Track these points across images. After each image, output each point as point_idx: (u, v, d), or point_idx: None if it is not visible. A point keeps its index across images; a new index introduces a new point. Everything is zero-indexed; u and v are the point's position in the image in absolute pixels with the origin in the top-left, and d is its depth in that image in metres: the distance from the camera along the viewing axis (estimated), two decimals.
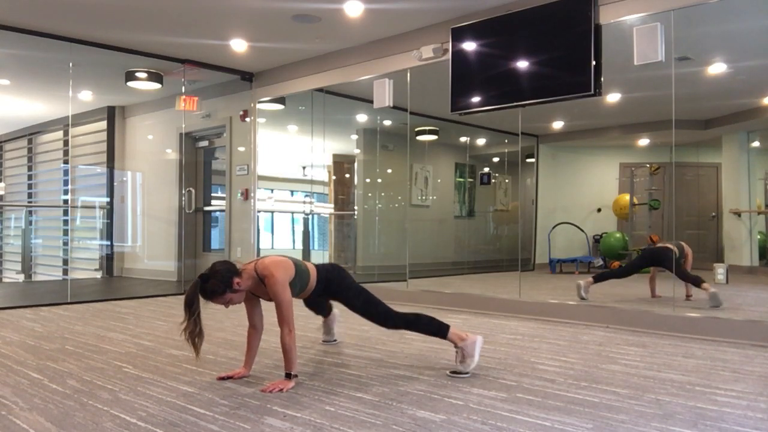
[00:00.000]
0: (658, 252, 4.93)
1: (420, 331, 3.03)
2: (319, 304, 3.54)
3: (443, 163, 7.47)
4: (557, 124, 6.29)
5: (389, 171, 7.45)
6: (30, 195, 9.93)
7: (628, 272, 5.11)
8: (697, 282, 4.59)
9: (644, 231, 6.01)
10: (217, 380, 2.83)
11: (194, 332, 2.56)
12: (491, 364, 3.15)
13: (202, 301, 2.62)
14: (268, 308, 2.90)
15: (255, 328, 2.92)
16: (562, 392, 2.60)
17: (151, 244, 8.47)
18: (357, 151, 7.71)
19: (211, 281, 2.63)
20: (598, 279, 5.01)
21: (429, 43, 5.39)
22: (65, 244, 8.75)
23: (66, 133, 8.59)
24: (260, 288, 2.78)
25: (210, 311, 4.57)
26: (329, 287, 3.05)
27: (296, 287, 2.87)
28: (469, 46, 5.11)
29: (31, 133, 9.62)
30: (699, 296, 4.77)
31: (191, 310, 2.56)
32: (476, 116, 5.28)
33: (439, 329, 2.97)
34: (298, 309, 3.67)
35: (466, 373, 2.90)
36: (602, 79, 4.42)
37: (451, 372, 2.93)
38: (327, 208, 7.87)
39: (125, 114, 8.71)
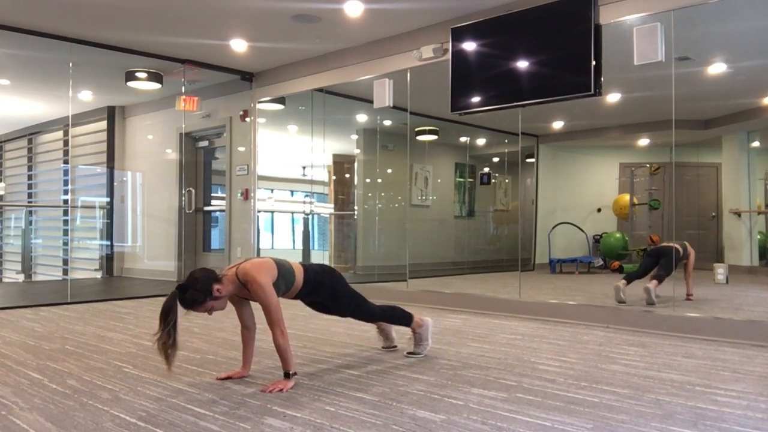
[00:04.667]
0: (662, 250, 4.93)
1: (394, 323, 3.34)
2: (321, 306, 3.31)
3: (443, 163, 7.47)
4: (557, 124, 6.29)
5: (389, 171, 7.44)
6: (30, 195, 9.93)
7: (645, 271, 5.05)
8: (656, 277, 4.64)
9: (644, 231, 6.01)
10: (217, 380, 2.83)
11: (167, 343, 2.48)
12: (491, 364, 3.15)
13: (181, 311, 2.57)
14: (257, 306, 2.89)
15: (248, 328, 2.91)
16: (562, 392, 2.60)
17: (151, 244, 8.47)
18: (357, 151, 7.71)
19: (189, 291, 2.57)
20: (628, 280, 4.93)
21: (429, 43, 5.39)
22: (65, 244, 8.75)
23: (66, 133, 8.59)
24: (244, 291, 2.74)
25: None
26: (319, 290, 3.00)
27: (281, 287, 2.82)
28: (469, 46, 5.11)
29: (31, 133, 9.62)
30: (699, 296, 4.78)
31: (167, 321, 2.49)
32: (476, 116, 5.28)
33: (407, 319, 3.31)
34: (298, 309, 3.68)
35: (421, 354, 3.30)
36: (602, 79, 4.41)
37: (407, 353, 3.33)
38: (327, 208, 7.87)
39: (125, 114, 8.71)
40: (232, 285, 2.70)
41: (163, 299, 2.61)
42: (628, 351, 3.47)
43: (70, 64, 6.25)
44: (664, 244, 5.03)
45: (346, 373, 2.96)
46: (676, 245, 4.80)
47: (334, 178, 7.72)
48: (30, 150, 9.76)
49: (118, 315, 5.02)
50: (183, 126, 7.61)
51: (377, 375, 2.92)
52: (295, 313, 4.64)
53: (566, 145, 6.54)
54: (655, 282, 4.58)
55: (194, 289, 2.59)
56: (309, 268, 2.98)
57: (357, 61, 6.06)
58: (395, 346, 3.54)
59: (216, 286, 2.63)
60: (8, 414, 2.33)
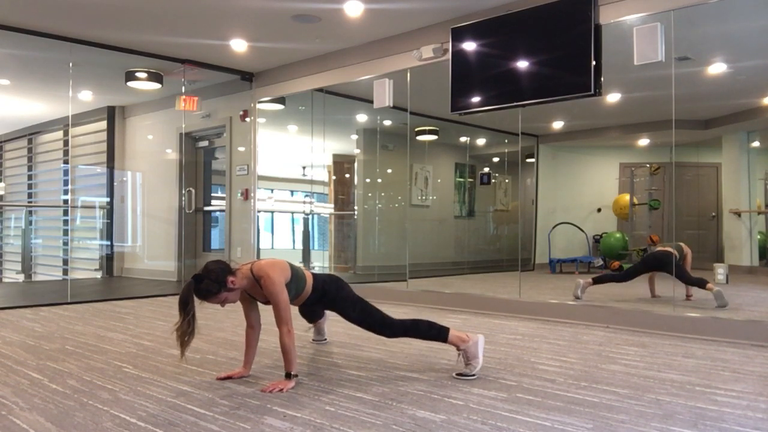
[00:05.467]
0: (660, 257, 4.90)
1: (420, 337, 2.98)
2: (313, 313, 3.54)
3: (443, 163, 7.47)
4: (557, 124, 6.29)
5: (389, 171, 7.44)
6: (30, 195, 9.93)
7: (629, 276, 5.06)
8: (702, 284, 4.58)
9: (644, 231, 6.01)
10: (217, 380, 2.83)
11: (186, 331, 2.57)
12: (491, 364, 3.15)
13: (197, 300, 2.62)
14: (264, 307, 2.90)
15: (252, 328, 2.93)
16: (562, 392, 2.60)
17: (151, 244, 8.47)
18: (357, 151, 7.71)
19: (205, 281, 2.62)
20: (597, 281, 4.99)
21: (429, 43, 5.39)
22: (65, 244, 8.75)
23: (66, 133, 8.60)
24: (256, 289, 2.77)
25: (209, 312, 4.58)
26: (324, 298, 3.03)
27: (292, 291, 2.85)
28: (469, 46, 5.11)
29: (31, 133, 9.62)
30: (699, 296, 4.78)
31: (186, 311, 2.56)
32: (476, 116, 5.28)
33: (439, 333, 2.92)
34: (296, 309, 3.68)
35: (473, 375, 2.85)
36: (602, 79, 4.42)
37: (457, 374, 2.88)
38: (327, 208, 7.87)
39: (125, 114, 8.71)
40: (246, 280, 2.75)
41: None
42: (628, 351, 3.47)
43: (70, 64, 6.25)
44: (660, 248, 5.01)
45: (346, 373, 2.96)
46: (672, 249, 4.78)
47: (334, 178, 7.72)
48: (30, 150, 9.76)
49: (118, 315, 5.02)
50: (183, 126, 7.62)
51: (377, 375, 2.92)
52: (294, 313, 4.64)
53: (566, 145, 6.54)
54: (710, 284, 4.55)
55: (209, 280, 2.63)
56: (318, 277, 3.03)
57: (357, 61, 6.06)
58: (326, 340, 3.75)
59: (230, 278, 2.68)
60: (8, 414, 2.33)
